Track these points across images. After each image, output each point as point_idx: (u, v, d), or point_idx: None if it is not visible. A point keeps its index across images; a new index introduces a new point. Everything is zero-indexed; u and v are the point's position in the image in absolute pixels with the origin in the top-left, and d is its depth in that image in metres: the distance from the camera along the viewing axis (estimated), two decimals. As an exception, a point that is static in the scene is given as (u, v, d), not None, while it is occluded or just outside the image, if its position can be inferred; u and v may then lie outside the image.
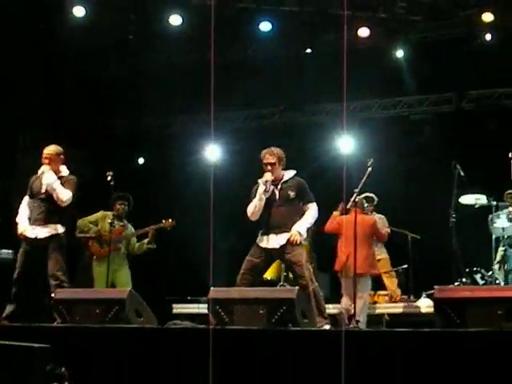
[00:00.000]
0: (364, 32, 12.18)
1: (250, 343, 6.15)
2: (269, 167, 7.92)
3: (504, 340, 5.58)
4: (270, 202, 7.92)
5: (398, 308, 10.51)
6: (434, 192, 11.16)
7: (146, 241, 10.08)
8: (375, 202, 11.14)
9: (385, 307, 10.58)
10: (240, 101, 13.72)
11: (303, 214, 7.94)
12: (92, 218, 10.14)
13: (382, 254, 11.20)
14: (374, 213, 11.27)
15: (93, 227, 10.05)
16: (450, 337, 5.77)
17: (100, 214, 10.14)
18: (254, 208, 7.92)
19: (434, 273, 9.84)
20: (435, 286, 6.39)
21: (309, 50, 12.98)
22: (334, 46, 12.42)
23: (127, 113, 14.56)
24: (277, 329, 6.34)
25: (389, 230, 11.19)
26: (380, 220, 11.01)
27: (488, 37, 11.89)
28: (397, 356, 5.73)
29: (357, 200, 8.46)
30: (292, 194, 7.90)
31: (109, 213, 10.04)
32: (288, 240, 7.76)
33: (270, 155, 7.96)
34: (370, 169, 8.26)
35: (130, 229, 10.17)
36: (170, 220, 10.01)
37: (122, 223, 10.06)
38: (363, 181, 8.25)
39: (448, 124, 13.00)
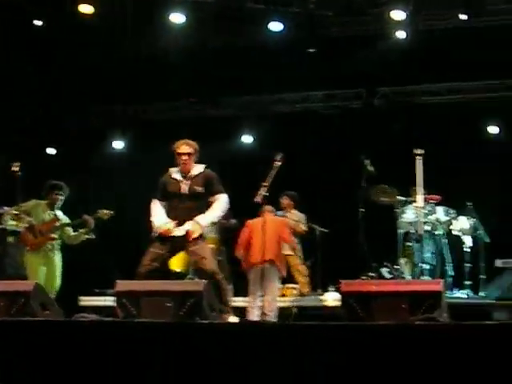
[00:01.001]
0: (276, 26, 12.20)
1: (156, 336, 6.12)
2: (184, 157, 7.89)
3: (408, 333, 5.70)
4: (176, 195, 7.88)
5: (306, 301, 10.62)
6: (342, 186, 11.33)
7: (83, 231, 9.86)
8: (296, 199, 11.36)
9: (293, 300, 10.67)
10: (152, 93, 13.63)
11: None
12: (24, 207, 9.74)
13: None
14: (294, 210, 11.45)
15: (24, 217, 9.76)
16: (355, 330, 5.87)
17: (32, 203, 9.79)
18: None
19: (342, 267, 9.94)
20: (341, 280, 6.49)
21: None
22: (247, 39, 12.48)
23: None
24: (184, 321, 6.34)
25: (305, 228, 11.40)
26: (298, 218, 11.34)
27: (400, 34, 12.05)
28: (304, 349, 5.79)
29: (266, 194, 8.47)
30: (199, 189, 7.86)
31: (42, 202, 9.81)
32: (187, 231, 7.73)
33: (187, 145, 7.94)
34: (278, 163, 8.29)
35: (65, 219, 9.94)
36: (106, 210, 9.85)
37: (54, 213, 9.82)
38: (272, 175, 8.28)
39: (358, 119, 13.15)
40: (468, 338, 5.58)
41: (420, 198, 9.15)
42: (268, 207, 9.39)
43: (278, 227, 9.74)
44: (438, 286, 6.40)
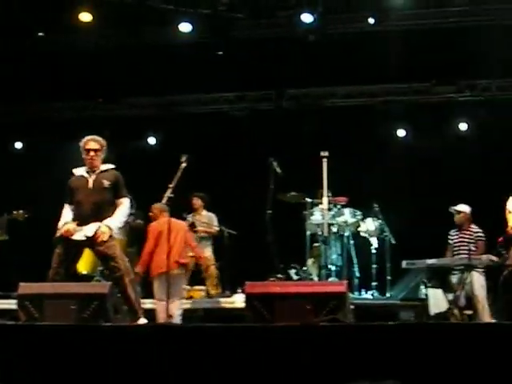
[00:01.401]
0: (185, 27, 12.17)
1: (59, 339, 6.03)
2: (91, 153, 7.81)
3: (312, 334, 5.75)
4: (83, 190, 7.77)
5: (213, 303, 10.61)
6: (251, 188, 11.37)
7: None
8: (206, 200, 11.39)
9: (201, 302, 10.66)
10: (56, 93, 13.47)
11: (116, 208, 7.85)
12: None
13: (207, 251, 11.50)
14: (204, 211, 11.48)
15: None
16: (260, 331, 5.89)
17: None
18: None
19: (251, 268, 9.97)
20: (246, 282, 6.51)
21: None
22: (155, 39, 12.43)
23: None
24: (87, 324, 6.27)
25: (217, 228, 11.44)
26: (208, 219, 11.50)
27: (309, 37, 12.15)
28: (210, 350, 5.78)
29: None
30: (107, 183, 7.76)
31: None
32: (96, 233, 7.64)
33: (94, 141, 7.87)
34: (184, 164, 8.26)
35: None
36: (21, 211, 9.61)
37: None
38: (177, 176, 8.24)
39: (267, 121, 13.22)
40: (372, 339, 5.65)
41: (325, 200, 9.22)
42: (161, 206, 9.33)
43: (180, 230, 9.70)
44: (342, 287, 6.48)
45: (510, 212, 7.23)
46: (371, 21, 11.88)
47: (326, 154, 9.02)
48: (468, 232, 10.14)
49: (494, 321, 6.91)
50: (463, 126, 12.99)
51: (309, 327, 5.81)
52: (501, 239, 7.36)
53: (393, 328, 5.83)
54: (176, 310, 9.18)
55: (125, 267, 7.63)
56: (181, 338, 5.98)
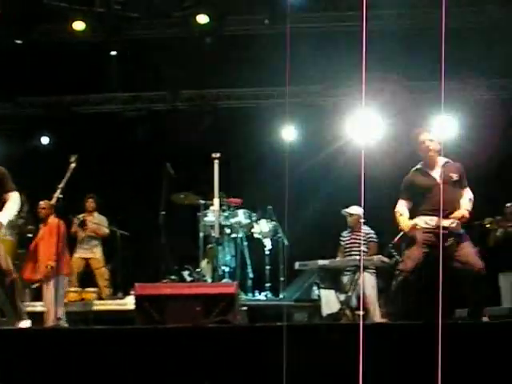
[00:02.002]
0: (79, 25, 11.99)
1: None
2: None
3: (201, 336, 5.76)
4: None
5: (105, 305, 10.52)
6: (145, 190, 11.32)
7: None
8: (98, 202, 11.35)
9: (93, 304, 10.54)
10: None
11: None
12: None
13: (97, 252, 11.45)
14: (95, 213, 11.45)
15: None
16: (150, 333, 5.88)
17: None
18: None
19: (144, 270, 9.94)
20: (136, 284, 6.47)
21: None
22: (48, 37, 12.24)
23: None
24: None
25: (107, 231, 11.40)
26: (99, 220, 11.48)
27: (205, 38, 12.15)
28: (101, 354, 5.74)
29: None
30: None
31: None
32: None
33: None
34: (73, 165, 8.13)
35: None
36: None
37: None
38: (67, 177, 8.12)
39: (162, 122, 13.16)
40: (263, 340, 5.69)
41: (216, 202, 9.23)
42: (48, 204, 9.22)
43: (53, 231, 9.54)
44: (231, 288, 6.54)
45: (400, 215, 7.39)
46: (267, 22, 11.95)
47: (218, 155, 9.00)
48: (360, 233, 10.31)
49: (384, 321, 7.02)
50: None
51: (198, 328, 5.82)
52: (397, 239, 7.53)
53: (287, 328, 5.86)
54: (60, 311, 9.05)
55: (7, 267, 7.43)
56: (68, 341, 5.90)
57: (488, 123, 11.94)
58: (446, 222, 7.11)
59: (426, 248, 7.17)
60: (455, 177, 7.40)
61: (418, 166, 7.57)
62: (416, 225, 7.27)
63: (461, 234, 7.24)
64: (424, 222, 7.27)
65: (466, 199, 7.43)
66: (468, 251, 7.17)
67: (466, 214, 7.24)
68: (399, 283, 7.14)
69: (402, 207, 7.52)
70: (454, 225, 7.13)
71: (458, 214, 7.20)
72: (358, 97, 12.62)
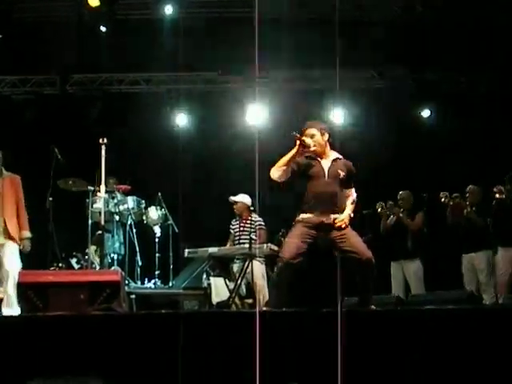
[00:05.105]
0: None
1: None
2: None
3: (86, 324, 5.74)
4: None
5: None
6: (33, 175, 11.10)
7: None
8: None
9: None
10: None
11: None
12: None
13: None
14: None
15: None
16: (32, 321, 5.82)
17: None
18: None
19: (31, 258, 9.77)
20: (19, 271, 6.40)
21: None
22: None
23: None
24: None
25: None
26: None
27: (98, 22, 12.02)
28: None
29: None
30: None
31: None
32: None
33: None
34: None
35: None
36: None
37: None
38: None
39: (51, 107, 12.93)
40: (149, 328, 5.76)
41: (103, 188, 9.16)
42: None
43: None
44: (116, 276, 6.53)
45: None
46: (168, 8, 11.91)
47: (105, 140, 8.91)
48: (248, 221, 10.39)
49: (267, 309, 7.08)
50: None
51: (80, 317, 5.78)
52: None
53: (167, 317, 5.90)
54: None
55: None
56: None
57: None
58: (328, 219, 7.18)
59: (309, 238, 7.18)
60: (342, 174, 7.37)
61: (307, 154, 7.48)
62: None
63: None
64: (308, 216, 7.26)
65: (350, 200, 7.46)
66: (354, 241, 7.23)
67: (347, 221, 7.24)
68: (278, 270, 7.16)
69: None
70: (336, 225, 7.19)
71: (339, 219, 7.21)
72: (252, 84, 12.79)
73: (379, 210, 10.69)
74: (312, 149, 7.33)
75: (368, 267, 7.12)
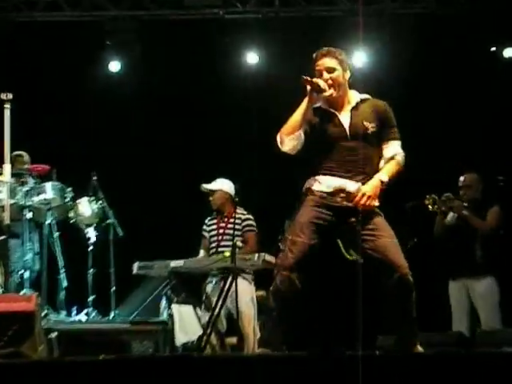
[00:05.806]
0: None
1: None
2: None
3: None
4: None
5: None
6: None
7: None
8: None
9: None
10: None
11: None
12: None
13: None
14: None
15: None
16: None
17: None
18: None
19: None
20: None
21: None
22: None
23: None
24: None
25: None
26: None
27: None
28: None
29: None
30: None
31: None
32: None
33: None
34: None
35: None
36: None
37: None
38: None
39: None
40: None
41: (8, 168, 9.08)
42: None
43: None
44: (28, 304, 6.43)
45: None
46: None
47: (11, 96, 8.85)
48: (231, 219, 10.32)
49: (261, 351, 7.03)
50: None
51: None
52: None
53: (107, 364, 5.84)
54: None
55: None
56: None
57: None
58: (352, 187, 6.97)
59: (322, 227, 7.01)
60: (371, 126, 7.13)
61: (318, 104, 7.26)
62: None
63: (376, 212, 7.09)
64: (325, 185, 7.09)
65: (385, 159, 7.18)
66: (389, 243, 6.99)
67: (373, 193, 6.99)
68: (275, 288, 7.04)
69: None
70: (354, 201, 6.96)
71: (359, 191, 6.98)
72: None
73: (429, 204, 10.56)
74: (327, 93, 7.14)
75: (407, 287, 6.94)
